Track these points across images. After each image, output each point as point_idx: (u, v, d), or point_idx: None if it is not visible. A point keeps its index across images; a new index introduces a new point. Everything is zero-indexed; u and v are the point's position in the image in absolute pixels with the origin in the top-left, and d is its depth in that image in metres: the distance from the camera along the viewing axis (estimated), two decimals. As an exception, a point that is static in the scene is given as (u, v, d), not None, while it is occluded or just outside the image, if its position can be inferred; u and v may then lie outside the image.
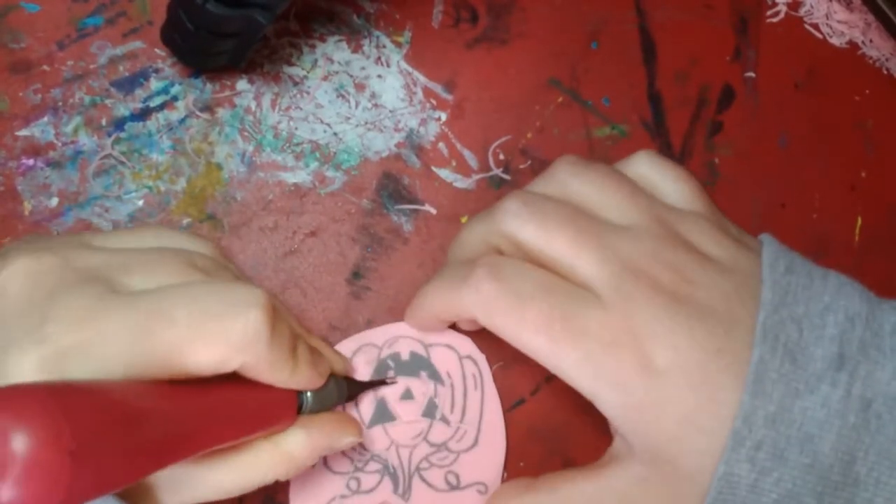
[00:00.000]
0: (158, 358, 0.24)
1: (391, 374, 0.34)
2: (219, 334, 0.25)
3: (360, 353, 0.34)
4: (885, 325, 0.28)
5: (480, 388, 0.34)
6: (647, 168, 0.32)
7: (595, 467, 0.30)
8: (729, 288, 0.28)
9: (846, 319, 0.28)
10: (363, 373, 0.34)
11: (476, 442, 0.34)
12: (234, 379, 0.27)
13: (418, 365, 0.34)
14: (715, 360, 0.27)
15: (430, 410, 0.34)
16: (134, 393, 0.23)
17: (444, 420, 0.34)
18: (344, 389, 0.32)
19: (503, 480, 0.34)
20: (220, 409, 0.26)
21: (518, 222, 0.30)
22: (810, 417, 0.26)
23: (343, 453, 0.33)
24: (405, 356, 0.34)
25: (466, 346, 0.35)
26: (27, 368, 0.24)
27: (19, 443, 0.18)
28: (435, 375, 0.34)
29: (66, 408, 0.20)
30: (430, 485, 0.33)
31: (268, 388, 0.28)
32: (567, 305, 0.29)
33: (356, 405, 0.34)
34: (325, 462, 0.33)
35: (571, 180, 0.31)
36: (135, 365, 0.24)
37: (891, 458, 0.26)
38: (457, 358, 0.35)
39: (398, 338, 0.34)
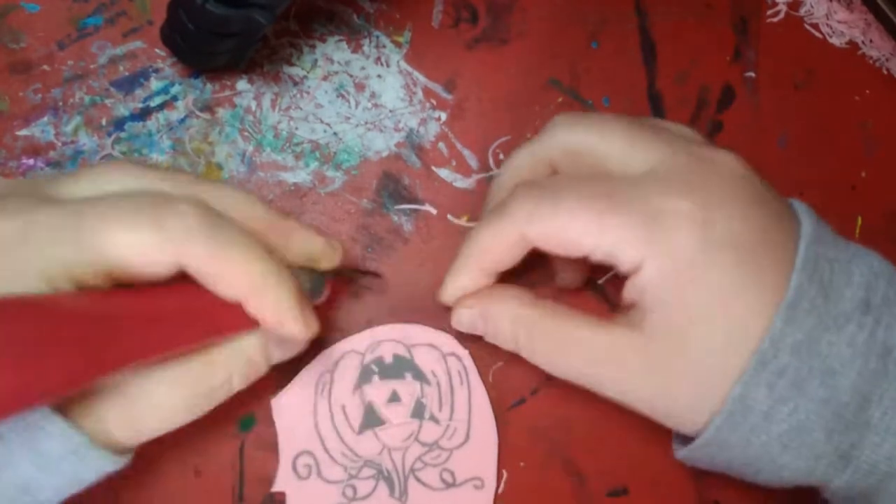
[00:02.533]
0: (88, 256, 0.24)
1: (375, 378, 0.34)
2: (146, 226, 0.24)
3: (343, 361, 0.34)
4: None
5: (466, 383, 0.34)
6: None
7: (600, 321, 0.29)
8: (774, 192, 0.30)
9: (871, 273, 0.28)
10: (348, 379, 0.34)
11: (467, 437, 0.34)
12: (198, 287, 0.26)
13: (402, 367, 0.34)
14: (762, 244, 0.28)
15: (418, 411, 0.34)
16: (70, 296, 0.23)
17: (434, 419, 0.34)
18: (320, 287, 0.30)
19: (500, 480, 0.34)
20: (168, 313, 0.25)
21: (572, 129, 0.31)
22: (835, 353, 0.27)
23: (335, 461, 0.33)
24: (388, 359, 0.34)
25: (449, 343, 0.35)
26: None
27: None
28: (420, 376, 0.34)
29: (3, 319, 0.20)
30: (425, 485, 0.33)
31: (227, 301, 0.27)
32: (612, 185, 0.29)
33: (344, 410, 0.34)
34: (318, 472, 0.33)
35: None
36: (68, 257, 0.24)
37: None
38: (440, 356, 0.35)
39: (380, 342, 0.34)
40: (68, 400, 0.25)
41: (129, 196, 0.26)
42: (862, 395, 0.27)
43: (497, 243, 0.30)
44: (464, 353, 0.35)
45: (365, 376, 0.34)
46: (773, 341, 0.27)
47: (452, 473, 0.34)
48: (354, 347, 0.34)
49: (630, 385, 0.29)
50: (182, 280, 0.26)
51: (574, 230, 0.28)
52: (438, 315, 0.34)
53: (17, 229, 0.24)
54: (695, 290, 0.27)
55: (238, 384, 0.29)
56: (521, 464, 0.35)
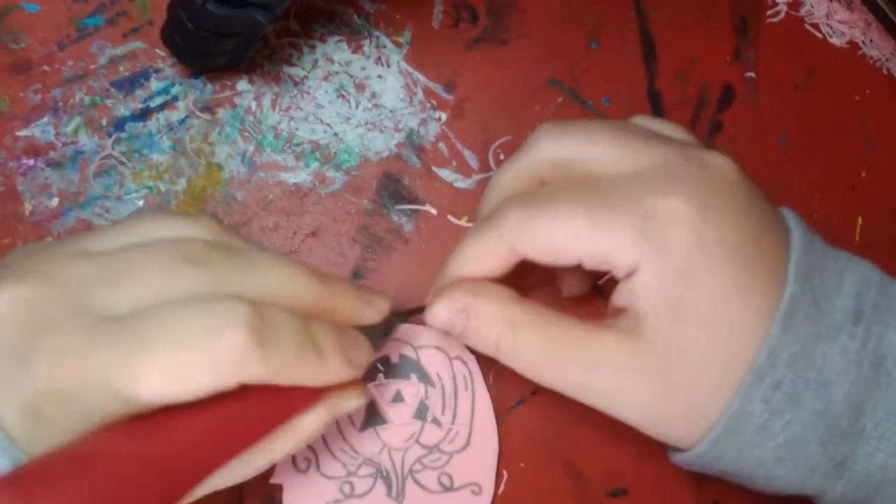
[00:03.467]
0: (140, 396, 0.23)
1: (380, 377, 0.34)
2: (203, 364, 0.24)
3: None
4: None
5: (471, 388, 0.34)
6: (644, 122, 0.33)
7: (592, 325, 0.29)
8: (765, 199, 0.29)
9: (862, 281, 0.28)
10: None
11: (468, 443, 0.34)
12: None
13: (408, 368, 0.34)
14: (755, 251, 0.27)
15: (421, 412, 0.34)
16: (113, 439, 0.23)
17: (436, 422, 0.34)
18: (378, 340, 0.30)
19: (500, 481, 0.34)
20: (230, 420, 0.25)
21: (557, 140, 0.30)
22: (829, 363, 0.27)
23: (335, 457, 0.33)
24: (394, 359, 0.34)
25: (456, 347, 0.35)
26: (10, 412, 0.23)
27: None
28: (425, 377, 0.34)
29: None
30: (423, 487, 0.33)
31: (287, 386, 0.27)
32: (607, 189, 0.28)
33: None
34: (317, 467, 0.33)
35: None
36: (118, 404, 0.23)
37: None
38: (446, 359, 0.35)
39: (386, 340, 0.34)
40: None
41: (175, 321, 0.24)
42: (855, 405, 0.27)
43: (485, 256, 0.30)
44: (470, 357, 0.35)
45: (370, 374, 0.34)
46: (770, 353, 0.26)
47: (451, 477, 0.34)
48: None
49: (623, 394, 0.28)
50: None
51: (564, 236, 0.28)
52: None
53: (72, 381, 0.24)
54: (692, 295, 0.27)
55: (295, 451, 0.29)
56: (521, 464, 0.35)
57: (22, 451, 0.24)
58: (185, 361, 0.23)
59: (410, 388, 0.34)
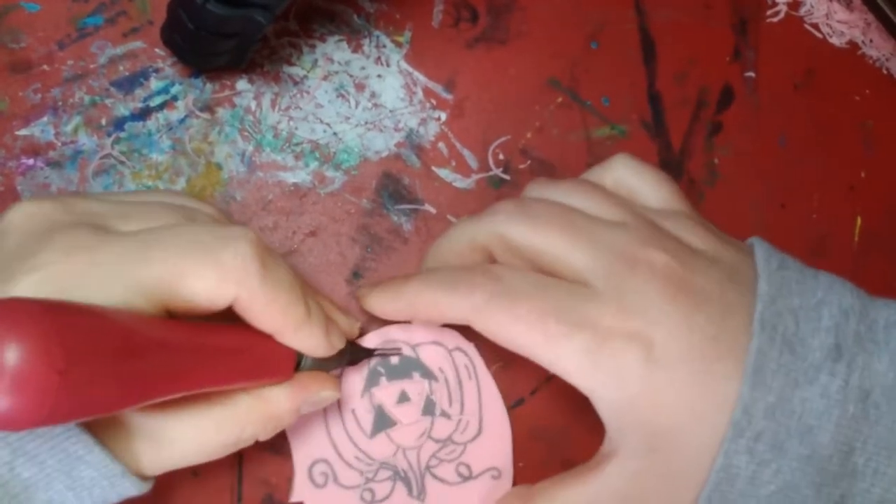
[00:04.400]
0: (150, 285, 0.25)
1: (383, 380, 0.34)
2: (208, 262, 0.25)
3: (349, 366, 0.34)
4: (878, 320, 0.28)
5: (475, 376, 0.34)
6: (625, 171, 0.32)
7: (589, 468, 0.30)
8: (722, 276, 0.29)
9: (840, 312, 0.28)
10: (356, 384, 0.34)
11: (480, 430, 0.34)
12: (239, 326, 0.27)
13: (409, 367, 0.34)
14: (713, 348, 0.27)
15: (428, 408, 0.34)
16: (128, 321, 0.23)
17: (445, 414, 0.34)
18: (346, 355, 0.31)
19: (514, 461, 0.34)
20: (214, 349, 0.26)
21: (511, 221, 0.30)
22: (809, 408, 0.27)
23: (350, 466, 0.33)
24: (395, 360, 0.34)
25: (453, 338, 0.35)
26: (21, 293, 0.24)
27: (10, 355, 0.19)
28: (427, 373, 0.34)
29: (60, 326, 0.20)
30: (442, 480, 0.33)
31: (270, 341, 0.28)
32: (561, 300, 0.28)
33: (355, 415, 0.34)
34: (335, 479, 0.33)
35: (550, 191, 0.32)
36: (128, 293, 0.24)
37: (889, 448, 0.26)
38: (446, 352, 0.35)
39: (386, 342, 0.34)
40: (102, 430, 0.25)
41: (188, 228, 0.27)
42: (844, 444, 0.27)
43: (441, 314, 0.30)
44: (469, 346, 0.35)
45: (372, 379, 0.34)
46: (745, 409, 0.26)
47: (468, 466, 0.34)
48: None
49: None
50: (222, 319, 0.27)
51: (524, 344, 0.29)
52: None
53: (79, 268, 0.25)
54: (652, 412, 0.28)
55: (263, 436, 0.29)
56: (521, 464, 0.35)
57: None
58: (193, 262, 0.25)
59: (414, 386, 0.34)
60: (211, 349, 0.26)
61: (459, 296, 0.30)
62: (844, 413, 0.26)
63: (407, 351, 0.34)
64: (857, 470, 0.27)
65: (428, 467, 0.34)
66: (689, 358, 0.27)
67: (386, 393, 0.34)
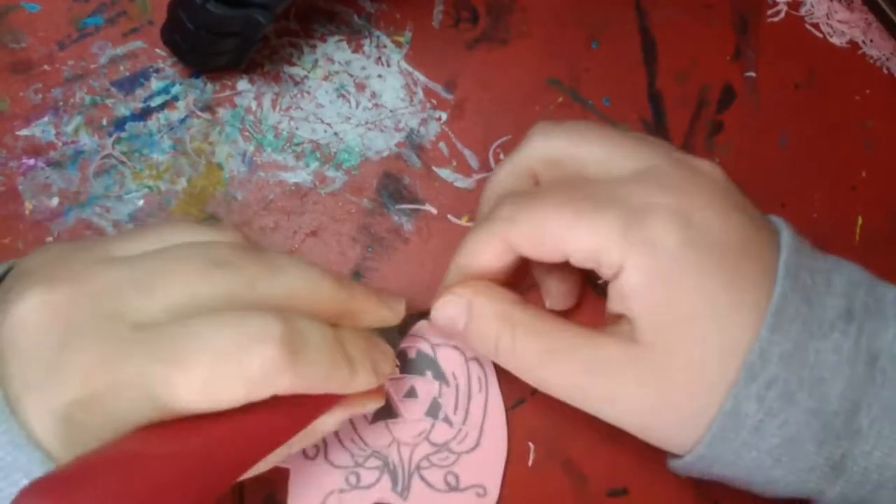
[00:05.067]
0: (181, 408, 0.24)
1: (396, 371, 0.34)
2: (237, 379, 0.24)
3: None
4: (886, 296, 0.28)
5: (485, 390, 0.34)
6: None
7: (591, 331, 0.29)
8: (749, 219, 0.29)
9: (850, 282, 0.28)
10: None
11: (477, 444, 0.34)
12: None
13: (424, 364, 0.34)
14: (743, 254, 0.27)
15: (433, 410, 0.34)
16: (151, 439, 0.23)
17: (447, 420, 0.34)
18: (395, 341, 0.32)
19: (502, 483, 0.34)
20: (260, 424, 0.26)
21: (549, 137, 0.31)
22: (822, 360, 0.27)
23: (344, 447, 0.33)
24: (412, 354, 0.34)
25: None
26: (44, 418, 0.24)
27: None
28: (440, 375, 0.34)
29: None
30: (429, 484, 0.33)
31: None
32: (592, 188, 0.29)
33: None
34: (325, 455, 0.33)
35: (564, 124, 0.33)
36: (157, 413, 0.24)
37: (894, 413, 0.27)
38: (463, 359, 0.35)
39: (402, 340, 0.34)
40: None
41: (211, 335, 0.24)
42: (851, 403, 0.27)
43: (483, 251, 0.30)
44: (487, 359, 0.35)
45: None
46: (762, 351, 0.26)
47: (457, 477, 0.34)
48: None
49: (618, 400, 0.28)
50: None
51: (553, 230, 0.28)
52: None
53: (105, 392, 0.24)
54: (679, 294, 0.27)
55: (306, 447, 0.30)
56: (521, 464, 0.35)
57: (56, 464, 0.24)
58: (221, 374, 0.24)
59: (425, 385, 0.34)
60: (253, 423, 0.25)
61: (491, 221, 0.30)
62: (854, 371, 0.27)
63: (426, 348, 0.34)
64: (861, 431, 0.27)
65: (418, 467, 0.34)
66: (721, 250, 0.27)
67: (395, 384, 0.34)
